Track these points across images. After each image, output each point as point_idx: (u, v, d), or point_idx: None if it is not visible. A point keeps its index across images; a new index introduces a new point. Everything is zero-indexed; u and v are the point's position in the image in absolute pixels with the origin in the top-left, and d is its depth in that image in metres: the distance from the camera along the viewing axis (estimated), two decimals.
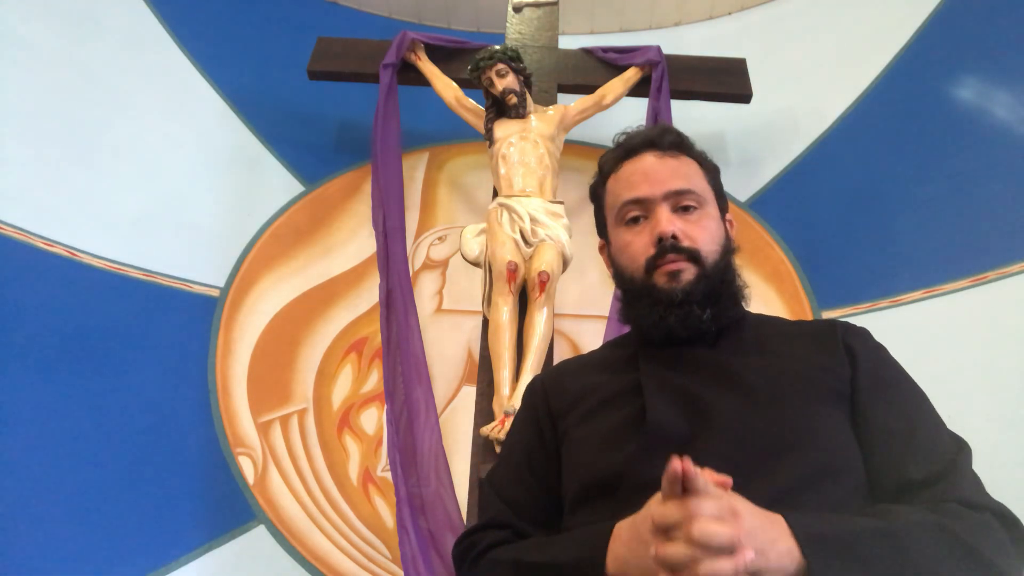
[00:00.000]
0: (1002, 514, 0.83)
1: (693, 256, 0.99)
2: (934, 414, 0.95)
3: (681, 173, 1.05)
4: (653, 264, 1.00)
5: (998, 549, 0.78)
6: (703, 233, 1.01)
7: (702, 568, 0.67)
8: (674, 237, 0.99)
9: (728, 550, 0.68)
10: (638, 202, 1.04)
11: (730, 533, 0.69)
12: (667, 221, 1.00)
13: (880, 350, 1.01)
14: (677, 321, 0.97)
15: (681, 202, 1.03)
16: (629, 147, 1.10)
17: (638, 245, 1.03)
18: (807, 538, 0.73)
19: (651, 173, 1.05)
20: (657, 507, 0.73)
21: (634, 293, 1.03)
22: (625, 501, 0.83)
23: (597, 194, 1.15)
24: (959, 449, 0.90)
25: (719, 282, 1.00)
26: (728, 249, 1.05)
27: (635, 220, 1.04)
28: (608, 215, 1.11)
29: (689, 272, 0.98)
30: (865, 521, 0.78)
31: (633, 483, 0.85)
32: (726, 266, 1.03)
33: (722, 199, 1.11)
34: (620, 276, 1.07)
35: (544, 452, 1.03)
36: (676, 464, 0.70)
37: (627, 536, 0.80)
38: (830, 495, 0.84)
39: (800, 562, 0.72)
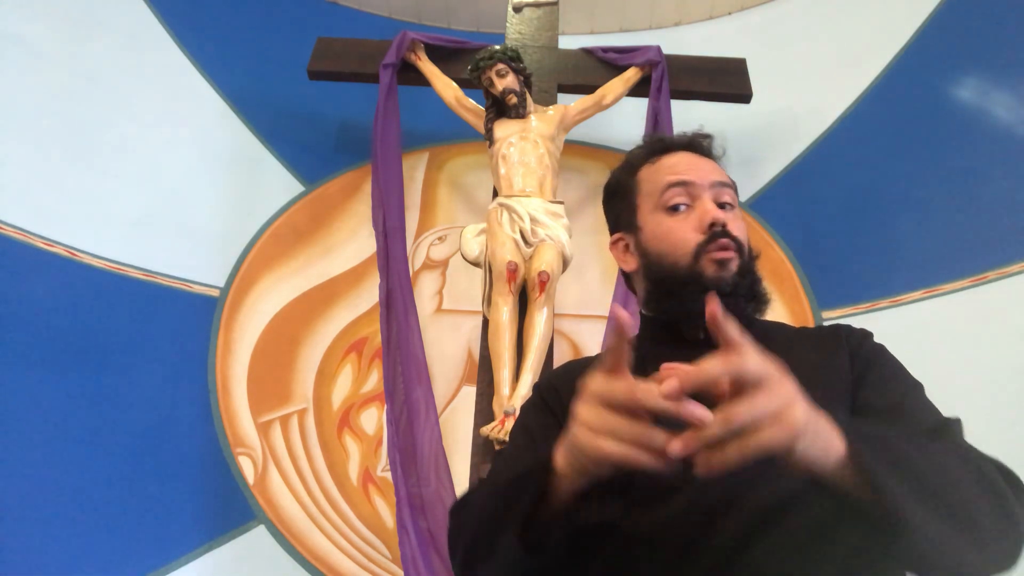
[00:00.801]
0: (1000, 466, 0.82)
1: (739, 248, 1.00)
2: (927, 399, 0.94)
3: (720, 170, 1.08)
4: (704, 248, 0.99)
5: (1007, 491, 0.77)
6: (740, 231, 1.03)
7: (760, 436, 0.61)
8: (724, 225, 1.00)
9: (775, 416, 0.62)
10: (684, 184, 1.03)
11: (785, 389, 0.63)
12: (716, 209, 1.01)
13: (881, 349, 1.01)
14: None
15: (722, 197, 1.04)
16: (668, 143, 1.11)
17: (683, 231, 1.01)
18: (849, 430, 0.69)
19: (695, 164, 1.06)
20: (679, 368, 0.66)
21: (675, 281, 1.01)
22: (633, 499, 0.83)
23: (623, 184, 1.12)
24: (952, 420, 0.89)
25: (754, 280, 1.02)
26: (752, 253, 1.06)
27: (676, 208, 1.03)
28: (643, 202, 1.08)
29: (735, 263, 0.99)
30: (903, 435, 0.78)
31: (640, 482, 0.84)
32: (754, 266, 1.04)
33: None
34: (658, 264, 1.04)
35: (558, 430, 1.01)
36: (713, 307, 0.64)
37: (585, 417, 0.70)
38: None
39: (843, 450, 0.67)
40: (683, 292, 0.99)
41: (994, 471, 0.79)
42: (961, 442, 0.85)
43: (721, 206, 1.03)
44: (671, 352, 0.99)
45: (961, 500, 0.73)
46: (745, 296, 0.98)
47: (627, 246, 1.11)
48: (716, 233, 0.99)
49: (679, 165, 1.06)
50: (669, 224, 1.03)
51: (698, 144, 1.10)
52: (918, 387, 0.96)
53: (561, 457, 0.74)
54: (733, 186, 1.10)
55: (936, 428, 0.87)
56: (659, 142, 1.11)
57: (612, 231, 1.15)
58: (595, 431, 0.67)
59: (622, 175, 1.13)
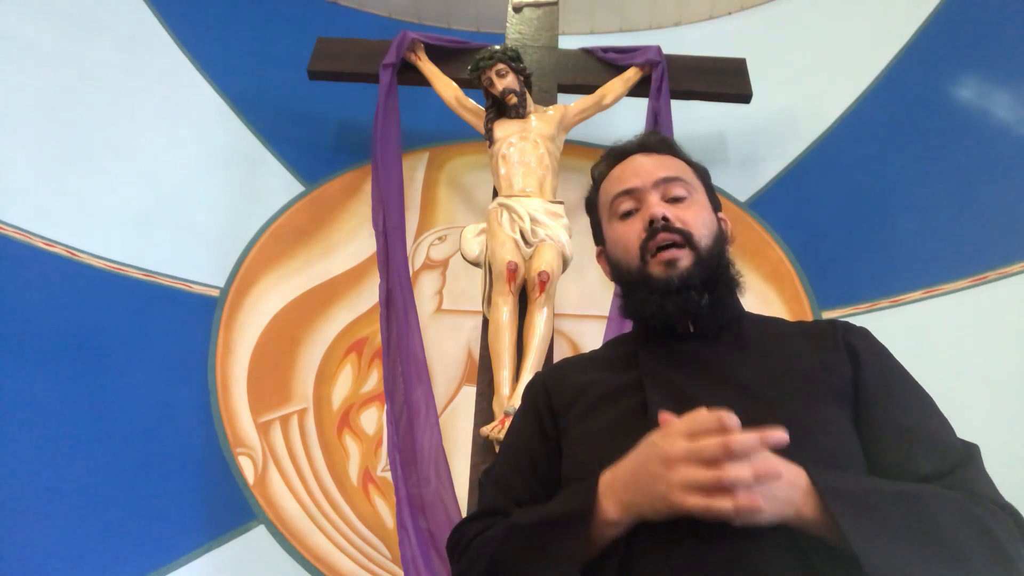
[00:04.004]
0: (1015, 513, 0.84)
1: (686, 237, 1.00)
2: (941, 414, 0.95)
3: (669, 165, 1.08)
4: (646, 247, 1.01)
5: (1011, 539, 0.79)
6: (695, 218, 1.03)
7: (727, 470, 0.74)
8: (665, 219, 1.01)
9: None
10: (628, 192, 1.06)
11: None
12: (657, 204, 1.03)
13: (883, 350, 1.01)
14: (676, 308, 0.98)
15: (671, 191, 1.05)
16: (618, 152, 1.14)
17: (631, 233, 1.04)
18: (829, 491, 0.75)
19: (640, 168, 1.08)
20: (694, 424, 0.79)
21: (631, 285, 1.04)
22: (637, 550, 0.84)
23: (592, 202, 1.18)
24: (968, 447, 0.91)
25: (715, 267, 1.01)
26: (722, 238, 1.06)
27: (628, 214, 1.07)
28: (602, 215, 1.13)
29: (686, 259, 0.99)
30: (884, 483, 0.80)
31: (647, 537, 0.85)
32: (720, 253, 1.04)
33: (713, 197, 1.13)
34: (617, 270, 1.08)
35: (544, 448, 1.03)
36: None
37: (626, 475, 0.83)
38: None
39: (823, 514, 0.75)
40: (638, 295, 1.02)
41: (999, 520, 0.80)
42: (967, 480, 0.85)
43: (676, 199, 1.05)
44: (663, 346, 1.01)
45: (944, 542, 0.75)
46: (698, 288, 0.98)
47: (606, 257, 1.14)
48: (656, 228, 1.00)
49: (624, 172, 1.09)
50: (620, 230, 1.07)
51: (648, 143, 1.12)
52: (931, 402, 0.96)
53: (615, 508, 0.82)
54: (692, 172, 1.10)
55: (951, 469, 0.87)
56: (611, 153, 1.15)
57: (596, 244, 1.19)
58: (687, 488, 0.76)
59: (591, 192, 1.18)
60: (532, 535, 0.88)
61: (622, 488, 0.83)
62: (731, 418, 0.76)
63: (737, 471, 0.74)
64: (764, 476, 0.74)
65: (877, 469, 0.89)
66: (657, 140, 1.12)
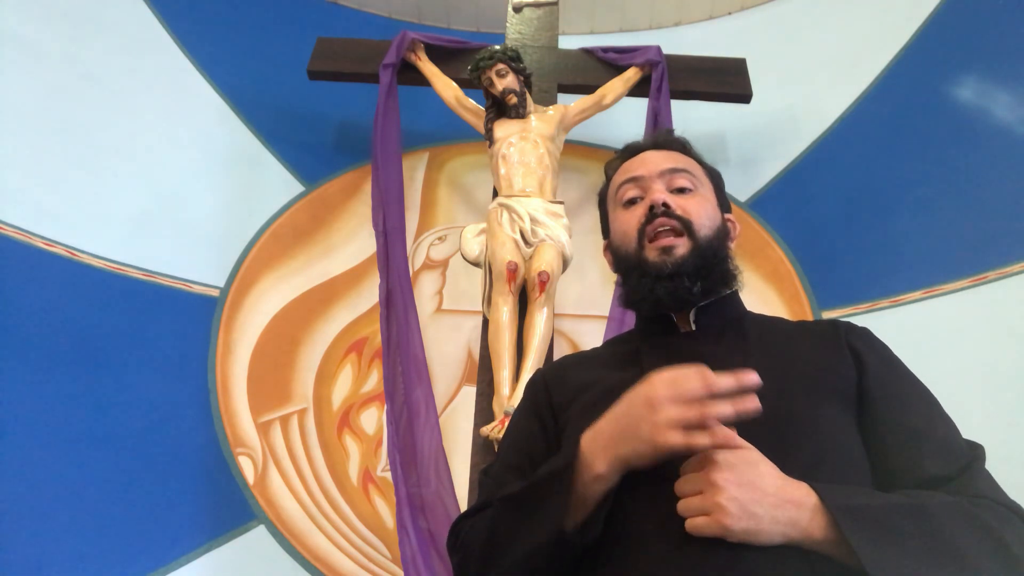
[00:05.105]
0: (1022, 513, 0.83)
1: (685, 225, 1.01)
2: (946, 414, 0.95)
3: (677, 159, 1.10)
4: (644, 231, 1.02)
5: (1020, 541, 0.78)
6: (698, 208, 1.04)
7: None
8: (665, 205, 1.02)
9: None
10: (634, 179, 1.08)
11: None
12: (659, 191, 1.04)
13: (886, 350, 1.01)
14: (666, 293, 0.99)
15: (676, 182, 1.06)
16: (632, 148, 1.15)
17: (632, 219, 1.05)
18: (840, 510, 0.75)
19: (648, 160, 1.10)
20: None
21: (627, 270, 1.05)
22: (627, 492, 0.84)
23: (602, 194, 1.19)
24: (974, 448, 0.90)
25: (711, 257, 1.02)
26: (724, 233, 1.07)
27: (631, 202, 1.08)
28: (611, 206, 1.14)
29: (682, 247, 1.00)
30: (893, 497, 0.80)
31: (635, 475, 0.85)
32: (720, 246, 1.04)
33: (723, 198, 1.13)
34: (617, 257, 1.10)
35: (544, 445, 1.03)
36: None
37: (609, 426, 0.84)
38: None
39: (832, 533, 0.75)
40: (632, 278, 1.03)
41: (1007, 524, 0.79)
42: (974, 483, 0.85)
43: (680, 190, 1.06)
44: (665, 342, 1.01)
45: (954, 554, 0.75)
46: (690, 275, 0.98)
47: (610, 249, 1.15)
48: (655, 213, 1.01)
49: (633, 163, 1.11)
50: (624, 217, 1.08)
51: (661, 141, 1.14)
52: (936, 402, 0.96)
53: (600, 459, 0.83)
54: (702, 170, 1.11)
55: (958, 472, 0.86)
56: (626, 149, 1.16)
57: (604, 238, 1.20)
58: (671, 427, 0.78)
59: (603, 187, 1.20)
60: (520, 501, 0.88)
61: (606, 438, 0.83)
62: (708, 370, 0.79)
63: (719, 407, 0.77)
64: (743, 412, 0.77)
65: (883, 470, 0.89)
66: (671, 138, 1.15)
